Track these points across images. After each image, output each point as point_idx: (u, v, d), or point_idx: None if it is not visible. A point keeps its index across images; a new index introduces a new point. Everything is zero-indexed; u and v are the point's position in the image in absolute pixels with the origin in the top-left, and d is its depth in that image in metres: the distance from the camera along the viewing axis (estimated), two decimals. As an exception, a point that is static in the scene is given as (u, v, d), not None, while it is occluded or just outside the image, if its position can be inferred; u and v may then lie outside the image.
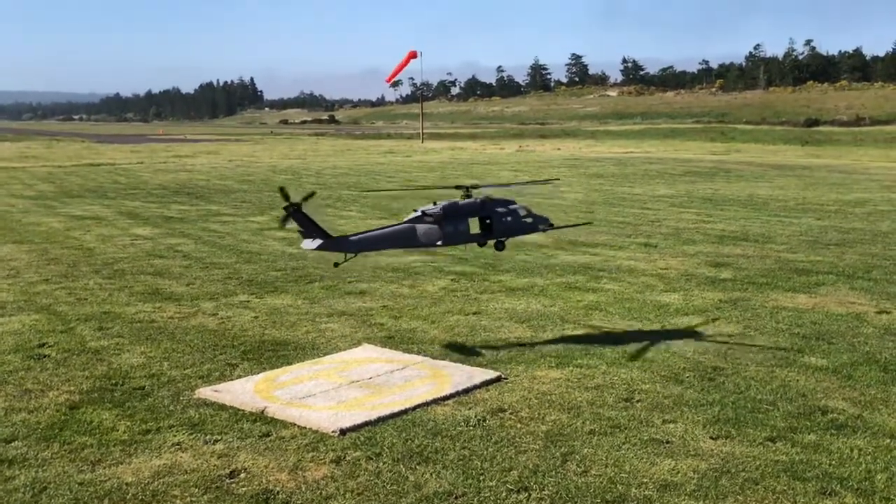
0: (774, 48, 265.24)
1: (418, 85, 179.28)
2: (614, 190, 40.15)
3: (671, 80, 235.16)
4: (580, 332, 14.15)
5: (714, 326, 14.45)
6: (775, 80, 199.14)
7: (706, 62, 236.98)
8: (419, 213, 12.92)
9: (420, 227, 12.76)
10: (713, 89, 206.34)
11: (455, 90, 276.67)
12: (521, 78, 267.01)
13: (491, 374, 11.66)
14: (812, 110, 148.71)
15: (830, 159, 66.58)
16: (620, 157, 67.93)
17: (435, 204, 13.00)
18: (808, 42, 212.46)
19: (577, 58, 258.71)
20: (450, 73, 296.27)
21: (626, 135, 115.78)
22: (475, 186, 13.60)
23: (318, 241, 12.11)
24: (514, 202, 13.55)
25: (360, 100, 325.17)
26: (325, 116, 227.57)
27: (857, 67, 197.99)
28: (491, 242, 13.45)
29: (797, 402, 10.67)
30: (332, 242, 12.32)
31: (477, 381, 11.35)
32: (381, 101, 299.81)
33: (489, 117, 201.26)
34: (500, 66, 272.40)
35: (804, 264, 20.14)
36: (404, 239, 12.92)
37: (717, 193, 38.16)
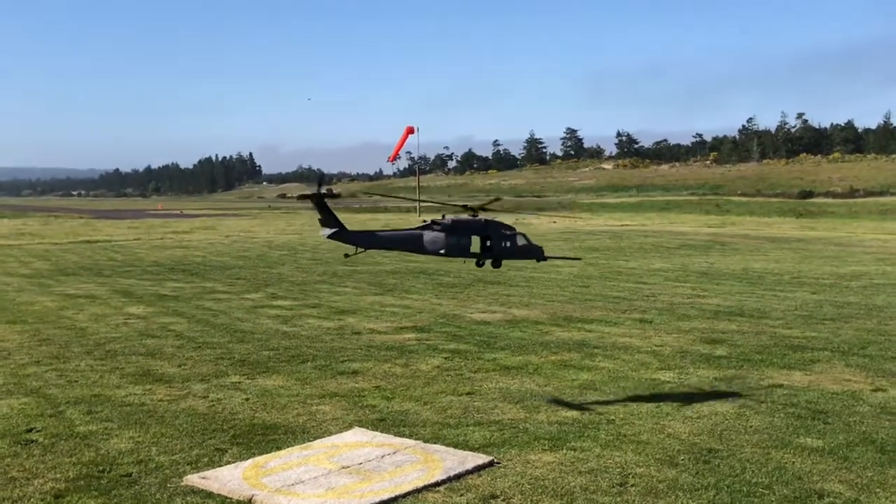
0: (767, 121, 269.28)
1: (415, 159, 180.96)
2: (610, 263, 40.25)
3: (665, 152, 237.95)
4: (574, 412, 14.01)
5: (709, 406, 14.32)
6: (769, 153, 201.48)
7: (699, 135, 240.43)
8: (429, 223, 14.01)
9: (427, 235, 13.80)
10: (707, 162, 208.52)
11: (452, 163, 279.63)
12: (517, 151, 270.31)
13: (483, 458, 11.49)
14: (806, 182, 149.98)
15: (825, 231, 66.97)
16: (616, 230, 68.30)
17: (443, 217, 14.03)
18: (800, 115, 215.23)
19: (571, 131, 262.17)
20: (446, 147, 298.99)
21: (621, 207, 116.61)
22: (483, 209, 14.40)
23: (334, 230, 13.13)
24: (514, 228, 14.51)
25: (357, 173, 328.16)
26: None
27: (850, 139, 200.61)
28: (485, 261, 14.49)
29: (793, 486, 10.51)
30: (347, 234, 13.35)
31: (469, 465, 11.19)
32: (378, 175, 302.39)
33: (486, 190, 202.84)
34: (496, 140, 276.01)
35: (799, 340, 20.07)
36: (412, 243, 13.91)
37: (712, 267, 38.26)
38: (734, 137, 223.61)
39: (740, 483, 10.61)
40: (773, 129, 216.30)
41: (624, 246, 51.63)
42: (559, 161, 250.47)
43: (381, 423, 13.41)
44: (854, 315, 23.77)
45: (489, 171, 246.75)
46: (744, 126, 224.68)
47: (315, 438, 12.68)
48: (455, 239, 13.77)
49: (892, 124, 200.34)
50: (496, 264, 14.47)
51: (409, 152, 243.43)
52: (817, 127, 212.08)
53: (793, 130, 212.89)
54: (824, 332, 21.03)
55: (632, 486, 10.56)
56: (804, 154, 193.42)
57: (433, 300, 27.39)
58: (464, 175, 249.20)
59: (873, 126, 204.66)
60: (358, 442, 12.38)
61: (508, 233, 14.27)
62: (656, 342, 20.07)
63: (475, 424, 13.28)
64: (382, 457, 11.65)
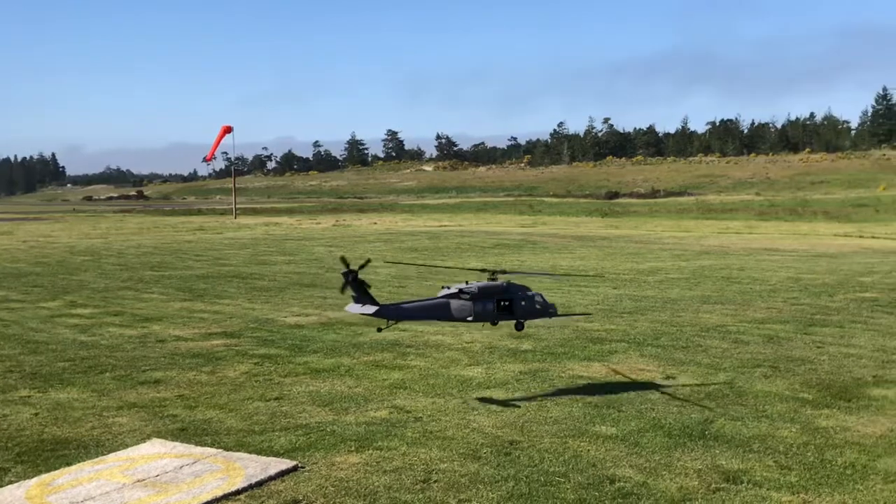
0: (576, 126, 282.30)
1: (232, 159, 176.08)
2: (428, 264, 40.73)
3: (483, 155, 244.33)
4: (383, 412, 14.04)
5: (513, 399, 14.75)
6: (578, 156, 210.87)
7: (515, 138, 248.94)
8: (455, 291, 14.62)
9: (454, 303, 14.54)
10: (522, 164, 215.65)
11: (271, 164, 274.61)
12: (339, 153, 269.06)
13: (287, 463, 11.29)
14: (612, 183, 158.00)
15: (628, 230, 70.81)
16: (435, 231, 69.33)
17: (468, 283, 14.71)
18: (606, 120, 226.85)
19: (393, 133, 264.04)
20: (265, 148, 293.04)
21: (441, 208, 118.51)
22: (503, 272, 15.16)
23: (372, 308, 13.67)
24: (530, 289, 15.22)
25: (170, 174, 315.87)
26: (132, 192, 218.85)
27: (651, 143, 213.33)
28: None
29: (587, 473, 10.98)
30: (384, 311, 13.87)
31: (272, 472, 10.95)
32: (193, 176, 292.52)
33: (306, 192, 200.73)
34: (316, 141, 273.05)
35: (600, 333, 21.07)
36: (440, 311, 14.55)
37: (523, 265, 39.54)
38: (546, 141, 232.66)
39: (538, 473, 10.97)
40: (581, 133, 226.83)
41: (442, 246, 52.46)
42: (381, 163, 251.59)
43: (182, 433, 12.90)
44: (650, 308, 25.22)
45: (310, 173, 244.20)
46: (555, 130, 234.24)
47: (110, 452, 12.03)
48: (481, 306, 14.54)
49: (689, 129, 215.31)
50: (519, 327, 15.27)
51: (225, 153, 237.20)
52: (622, 131, 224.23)
53: (600, 134, 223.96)
54: (622, 325, 22.18)
55: (435, 482, 10.69)
56: (610, 157, 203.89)
57: (245, 305, 26.73)
58: (284, 176, 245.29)
59: (672, 131, 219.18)
60: (156, 453, 11.85)
61: (527, 294, 15.02)
62: (467, 339, 20.48)
63: (281, 430, 13.03)
64: (181, 467, 11.21)
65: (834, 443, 12.27)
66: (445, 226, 78.37)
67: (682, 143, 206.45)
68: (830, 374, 16.48)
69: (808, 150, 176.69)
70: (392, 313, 14.13)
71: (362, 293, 13.72)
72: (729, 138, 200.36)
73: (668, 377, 16.37)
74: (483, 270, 15.37)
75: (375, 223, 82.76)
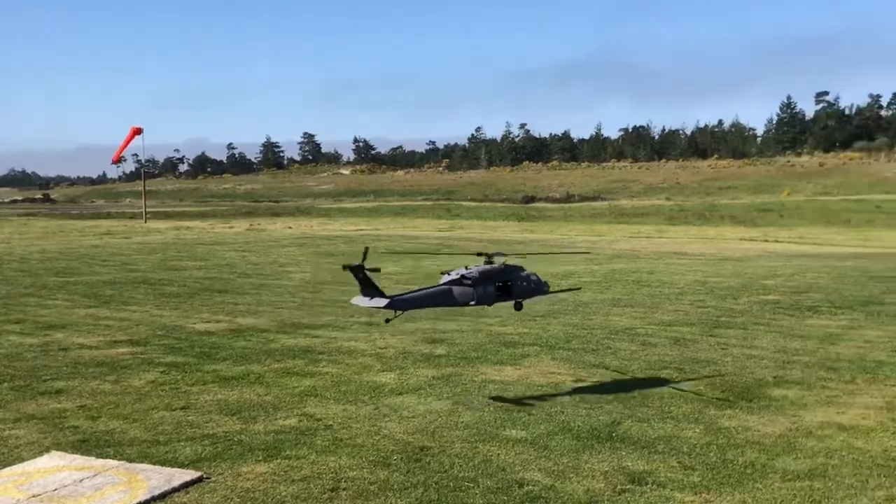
0: (493, 131, 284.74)
1: (142, 161, 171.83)
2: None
3: (401, 158, 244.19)
4: (293, 420, 13.85)
5: (425, 405, 14.74)
6: (495, 161, 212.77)
7: (433, 142, 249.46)
8: (457, 276, 14.91)
9: (457, 289, 14.83)
10: (440, 168, 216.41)
11: (183, 167, 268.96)
12: (254, 155, 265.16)
13: (192, 474, 11.03)
14: (528, 188, 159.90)
15: (543, 234, 71.75)
16: (351, 235, 68.95)
17: (468, 268, 15.06)
18: (522, 125, 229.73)
19: (309, 136, 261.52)
20: (177, 150, 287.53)
21: (358, 212, 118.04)
22: (499, 254, 15.45)
23: (383, 301, 14.00)
24: (525, 269, 15.62)
25: (78, 177, 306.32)
26: (38, 195, 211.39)
27: (567, 149, 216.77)
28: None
29: (497, 477, 11.04)
30: (392, 302, 14.11)
31: (176, 483, 10.68)
32: (102, 179, 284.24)
33: (220, 195, 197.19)
34: (230, 144, 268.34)
35: (513, 336, 21.25)
36: (443, 298, 14.86)
37: (439, 269, 39.54)
38: (465, 146, 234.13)
39: (448, 479, 10.97)
40: (499, 139, 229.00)
41: (358, 250, 52.09)
42: (297, 166, 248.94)
43: (83, 445, 12.48)
44: (562, 311, 25.56)
45: (224, 176, 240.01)
46: (473, 135, 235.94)
47: (4, 467, 11.55)
48: (482, 289, 14.90)
49: (602, 135, 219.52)
50: (518, 307, 15.51)
51: (135, 154, 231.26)
52: (538, 137, 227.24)
53: (517, 140, 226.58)
54: (535, 329, 22.42)
55: (344, 490, 10.59)
56: (527, 162, 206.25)
57: (154, 311, 26.06)
58: (196, 179, 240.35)
59: (587, 136, 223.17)
60: (54, 467, 11.43)
61: (522, 274, 15.43)
62: (380, 345, 20.39)
63: (187, 440, 12.73)
64: (81, 481, 10.83)
65: (735, 443, 12.62)
66: (363, 230, 78.07)
67: (597, 149, 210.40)
68: (733, 375, 16.97)
69: (716, 156, 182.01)
70: (401, 304, 14.41)
71: (370, 286, 14.07)
72: (641, 144, 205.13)
73: (578, 380, 16.60)
74: (480, 254, 15.63)
75: (290, 227, 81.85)
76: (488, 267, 15.19)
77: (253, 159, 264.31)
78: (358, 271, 14.00)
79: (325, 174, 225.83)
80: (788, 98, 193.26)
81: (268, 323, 23.82)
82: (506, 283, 15.19)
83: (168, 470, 11.23)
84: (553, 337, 21.19)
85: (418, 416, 13.97)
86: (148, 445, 12.46)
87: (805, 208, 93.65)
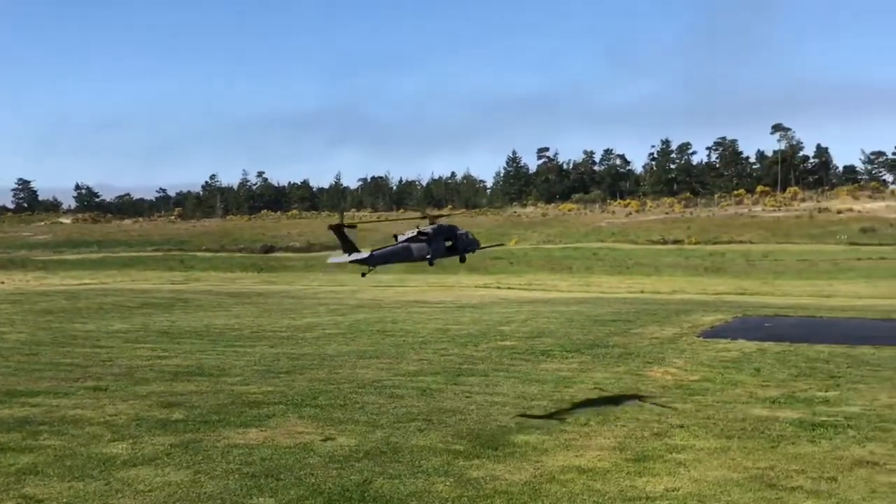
0: (229, 178, 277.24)
1: None
2: (64, 327, 37.16)
3: (129, 207, 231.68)
4: (10, 503, 12.22)
5: (162, 476, 13.61)
6: (232, 209, 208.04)
7: (163, 190, 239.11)
8: (415, 234, 16.63)
9: (414, 246, 16.48)
10: (172, 217, 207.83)
11: None
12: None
13: None
14: (267, 237, 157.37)
15: (284, 285, 70.69)
16: (74, 290, 63.91)
17: (419, 227, 16.75)
18: (260, 173, 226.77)
19: (24, 182, 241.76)
20: None
21: (81, 265, 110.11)
22: (440, 216, 17.62)
23: (363, 254, 15.58)
24: (461, 228, 17.48)
25: None
26: None
27: (306, 197, 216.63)
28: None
29: (245, 553, 10.30)
30: (366, 258, 15.61)
31: None
32: None
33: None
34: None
35: (256, 396, 20.38)
36: (405, 254, 16.42)
37: (174, 325, 37.56)
38: (198, 193, 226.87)
39: (191, 560, 10.08)
40: (235, 187, 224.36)
41: (81, 307, 48.32)
42: (10, 214, 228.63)
43: None
44: (308, 366, 25.00)
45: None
46: (207, 182, 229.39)
47: None
48: (436, 244, 16.68)
49: (342, 185, 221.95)
50: (463, 259, 17.49)
51: None
52: (277, 185, 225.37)
53: (254, 188, 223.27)
54: (280, 386, 21.68)
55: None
56: (265, 210, 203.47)
57: None
58: None
59: (326, 185, 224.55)
60: None
61: (462, 231, 17.39)
62: (111, 411, 18.74)
63: None
64: None
65: (485, 493, 12.74)
66: (86, 283, 72.74)
67: (336, 198, 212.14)
68: (478, 424, 17.28)
69: (450, 206, 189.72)
70: (374, 261, 15.91)
71: (348, 242, 15.44)
72: (380, 194, 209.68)
73: (326, 438, 16.13)
74: (423, 217, 17.54)
75: (3, 282, 74.59)
76: (442, 225, 17.12)
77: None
78: (338, 230, 15.37)
79: (43, 223, 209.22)
80: (514, 153, 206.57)
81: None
82: (453, 240, 17.17)
83: None
84: (299, 394, 20.57)
85: (155, 490, 12.84)
86: None
87: (532, 256, 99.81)
